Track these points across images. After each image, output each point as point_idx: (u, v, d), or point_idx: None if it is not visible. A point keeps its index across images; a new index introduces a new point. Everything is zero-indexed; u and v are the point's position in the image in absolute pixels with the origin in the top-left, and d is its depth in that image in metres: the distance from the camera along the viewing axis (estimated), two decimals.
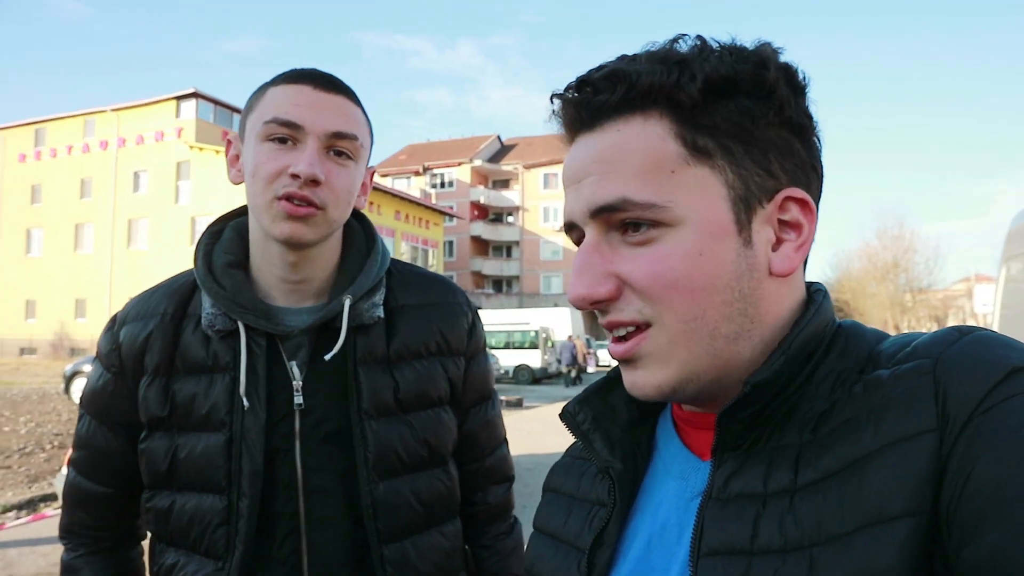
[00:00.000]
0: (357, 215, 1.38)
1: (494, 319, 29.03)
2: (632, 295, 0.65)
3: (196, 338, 1.21)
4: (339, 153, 1.17)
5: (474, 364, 1.39)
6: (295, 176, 1.12)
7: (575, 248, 0.70)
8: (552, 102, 0.70)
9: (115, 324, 1.27)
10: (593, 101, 0.66)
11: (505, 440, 1.49)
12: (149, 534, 1.28)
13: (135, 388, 1.22)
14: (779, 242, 0.66)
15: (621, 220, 0.65)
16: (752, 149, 0.64)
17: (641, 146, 0.64)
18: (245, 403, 1.16)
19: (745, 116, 0.64)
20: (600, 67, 0.67)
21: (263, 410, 1.18)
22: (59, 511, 5.61)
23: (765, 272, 0.65)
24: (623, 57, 0.67)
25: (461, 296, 1.41)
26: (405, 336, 1.29)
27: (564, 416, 0.80)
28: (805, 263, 0.70)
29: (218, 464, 1.16)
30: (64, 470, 4.95)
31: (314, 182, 1.13)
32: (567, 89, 0.68)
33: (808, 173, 0.67)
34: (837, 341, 0.67)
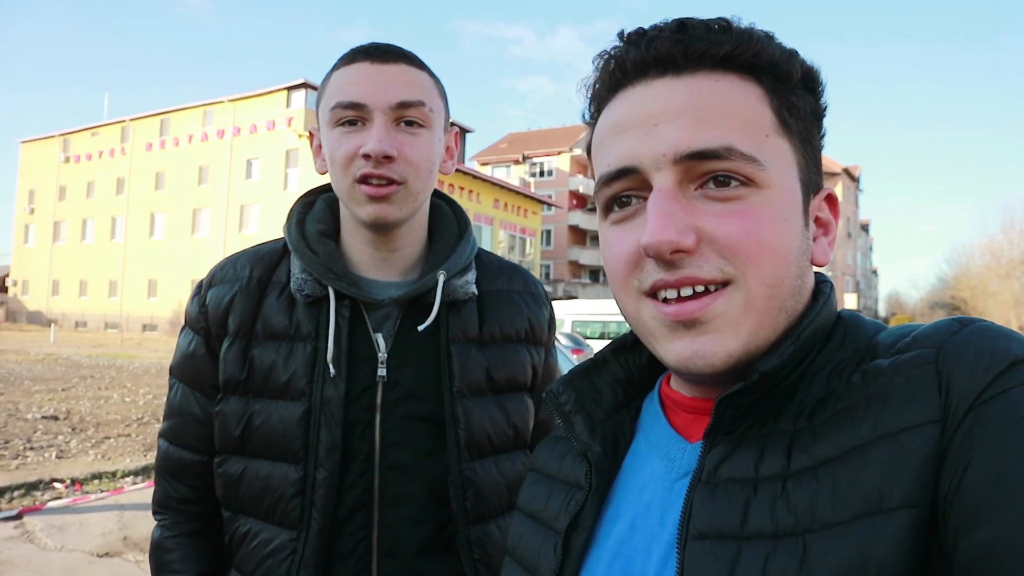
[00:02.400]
0: (448, 200, 1.37)
1: (590, 309, 28.81)
2: (711, 252, 0.61)
3: (280, 305, 1.20)
4: (410, 123, 1.15)
5: (551, 355, 1.40)
6: (367, 156, 1.11)
7: None
8: (625, 38, 0.67)
9: (201, 288, 1.27)
10: (694, 45, 0.63)
11: None
12: (221, 502, 1.26)
13: (219, 350, 1.22)
14: (814, 236, 0.68)
15: (710, 172, 0.62)
16: (811, 142, 0.67)
17: (743, 103, 0.63)
18: (331, 370, 1.14)
19: (812, 111, 0.66)
20: (691, 18, 0.66)
21: (343, 381, 1.16)
22: None
23: (810, 258, 0.66)
24: (707, 20, 0.66)
25: (541, 288, 1.41)
26: (497, 319, 1.29)
27: (547, 397, 0.79)
28: None
29: (296, 434, 1.15)
30: None
31: (387, 158, 1.11)
32: (658, 30, 0.65)
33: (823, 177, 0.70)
34: (836, 331, 0.66)
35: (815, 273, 0.71)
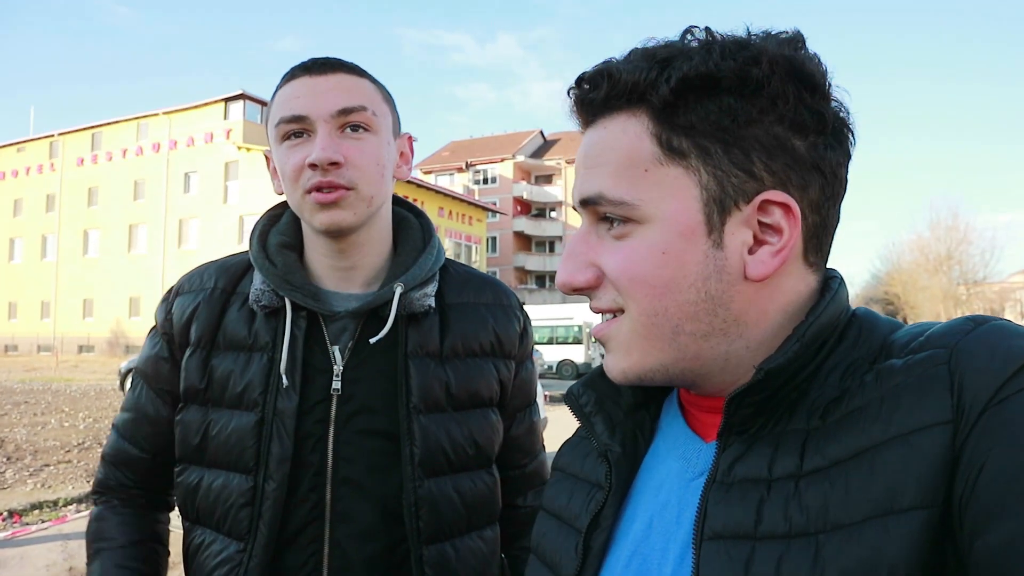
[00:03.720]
0: (416, 212, 1.38)
1: (537, 314, 29.01)
2: (609, 284, 0.67)
3: (241, 316, 1.22)
4: (355, 128, 1.16)
5: (523, 369, 1.38)
6: (313, 166, 1.13)
7: None
8: (568, 95, 0.71)
9: (170, 295, 1.30)
10: (586, 98, 0.68)
11: (543, 446, 1.48)
12: (179, 511, 1.29)
13: (181, 358, 1.25)
14: (759, 244, 0.64)
15: (603, 214, 0.67)
16: (733, 149, 0.62)
17: (620, 144, 0.65)
18: (284, 381, 1.15)
19: (726, 115, 0.62)
20: (601, 62, 0.68)
21: (296, 393, 1.17)
22: None
23: (738, 275, 0.64)
24: (629, 52, 0.67)
25: (514, 299, 1.39)
26: (459, 333, 1.27)
27: (568, 398, 0.80)
28: (826, 256, 0.69)
29: (248, 444, 1.16)
30: None
31: (333, 164, 1.13)
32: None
33: (806, 173, 0.64)
34: (850, 330, 0.66)
35: (826, 268, 0.70)
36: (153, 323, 1.31)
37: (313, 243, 1.26)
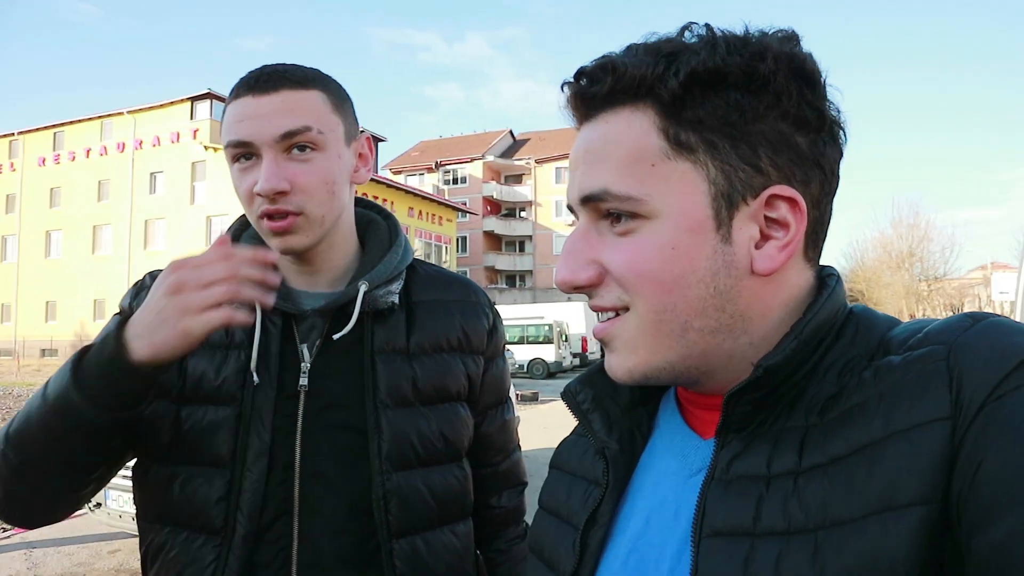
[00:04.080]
0: (384, 213, 1.40)
1: (508, 314, 29.05)
2: (613, 282, 0.66)
3: None
4: (302, 148, 1.15)
5: (493, 366, 1.39)
6: (261, 195, 1.13)
7: None
8: (562, 90, 0.71)
9: (141, 286, 1.29)
10: (587, 92, 0.67)
11: (518, 445, 1.49)
12: (139, 513, 1.25)
13: None
14: (765, 239, 0.65)
15: (606, 210, 0.66)
16: (740, 144, 0.63)
17: (625, 139, 0.65)
18: (255, 379, 1.17)
19: (733, 110, 0.62)
20: (600, 57, 0.67)
21: (273, 388, 1.18)
22: (82, 514, 5.62)
23: (746, 270, 0.64)
24: (628, 47, 0.67)
25: (483, 297, 1.41)
26: (426, 329, 1.29)
27: (565, 395, 0.81)
28: (819, 253, 0.69)
29: (224, 438, 1.16)
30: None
31: (280, 193, 1.13)
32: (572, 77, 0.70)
33: (808, 169, 0.65)
34: (848, 326, 0.66)
35: (823, 267, 0.71)
36: (119, 307, 1.29)
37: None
